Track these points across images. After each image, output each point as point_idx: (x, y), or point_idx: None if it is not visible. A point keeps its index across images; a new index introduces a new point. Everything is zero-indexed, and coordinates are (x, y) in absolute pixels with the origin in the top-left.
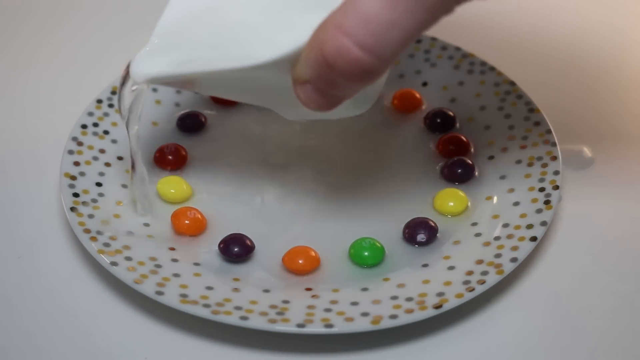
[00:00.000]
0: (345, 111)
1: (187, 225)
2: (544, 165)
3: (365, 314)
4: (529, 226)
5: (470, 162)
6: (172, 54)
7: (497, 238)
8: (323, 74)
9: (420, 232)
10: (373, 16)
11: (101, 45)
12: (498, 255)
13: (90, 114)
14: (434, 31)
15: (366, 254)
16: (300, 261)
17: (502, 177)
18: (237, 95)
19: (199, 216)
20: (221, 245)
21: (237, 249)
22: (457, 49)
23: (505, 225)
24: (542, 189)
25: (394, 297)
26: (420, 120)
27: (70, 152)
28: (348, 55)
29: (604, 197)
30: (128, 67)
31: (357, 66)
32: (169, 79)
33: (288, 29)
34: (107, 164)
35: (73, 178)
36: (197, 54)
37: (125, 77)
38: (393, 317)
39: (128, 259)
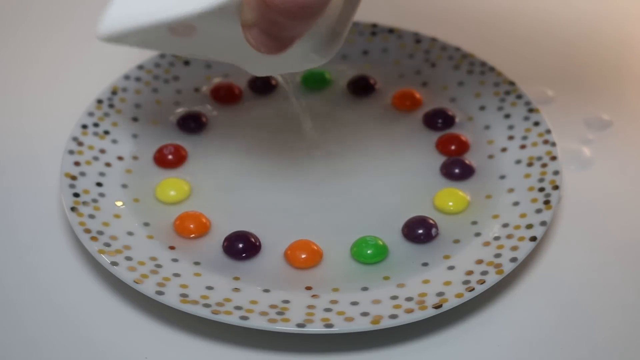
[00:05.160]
0: (306, 61)
1: (192, 229)
2: (544, 165)
3: (365, 314)
4: (529, 226)
5: (469, 162)
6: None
7: (496, 238)
8: (264, 14)
9: (420, 229)
10: None
11: (101, 45)
12: (498, 255)
13: (91, 114)
14: (434, 31)
15: (369, 251)
16: (302, 255)
17: (502, 177)
18: (198, 52)
19: (204, 220)
20: (225, 244)
21: (241, 245)
22: (457, 49)
23: (505, 225)
24: (541, 189)
25: (394, 297)
26: (420, 119)
27: (71, 152)
28: None
29: (604, 197)
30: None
31: (291, 2)
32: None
33: None
34: (108, 164)
35: (73, 178)
36: (151, 9)
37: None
38: (393, 316)
39: (128, 258)
